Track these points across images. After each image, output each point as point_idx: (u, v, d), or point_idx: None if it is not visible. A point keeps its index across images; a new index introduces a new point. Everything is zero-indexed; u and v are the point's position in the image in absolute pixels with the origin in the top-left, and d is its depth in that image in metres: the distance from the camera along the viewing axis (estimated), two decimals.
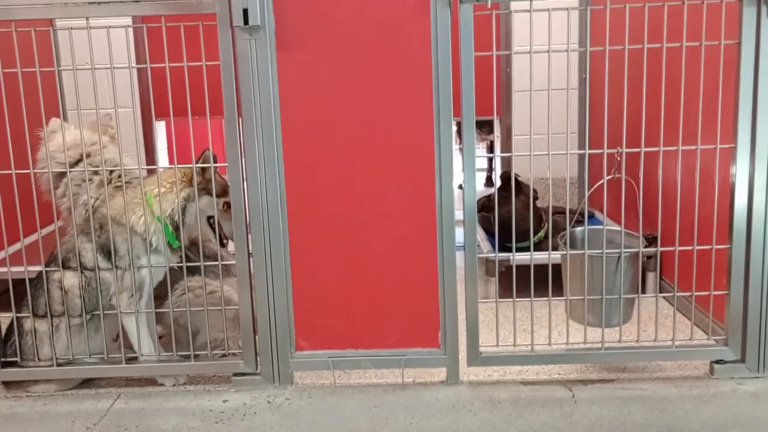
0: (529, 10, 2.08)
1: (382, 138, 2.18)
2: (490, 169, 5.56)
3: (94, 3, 2.10)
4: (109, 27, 2.13)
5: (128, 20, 2.36)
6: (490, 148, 5.40)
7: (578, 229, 2.44)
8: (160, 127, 3.91)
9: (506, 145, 4.10)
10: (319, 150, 2.19)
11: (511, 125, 4.04)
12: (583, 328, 2.31)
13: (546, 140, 2.13)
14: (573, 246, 2.36)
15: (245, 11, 2.04)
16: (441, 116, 2.13)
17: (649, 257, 2.91)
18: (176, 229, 2.26)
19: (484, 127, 5.15)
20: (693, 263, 2.21)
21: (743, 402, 2.12)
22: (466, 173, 2.18)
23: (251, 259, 2.23)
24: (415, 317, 2.28)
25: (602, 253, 2.21)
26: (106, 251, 2.21)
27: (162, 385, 2.36)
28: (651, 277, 2.99)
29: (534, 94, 2.22)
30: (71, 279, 2.23)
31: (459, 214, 2.20)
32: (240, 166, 2.18)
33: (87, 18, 2.11)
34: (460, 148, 2.18)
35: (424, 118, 2.14)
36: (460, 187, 2.21)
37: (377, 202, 2.22)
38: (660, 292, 2.45)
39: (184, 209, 2.26)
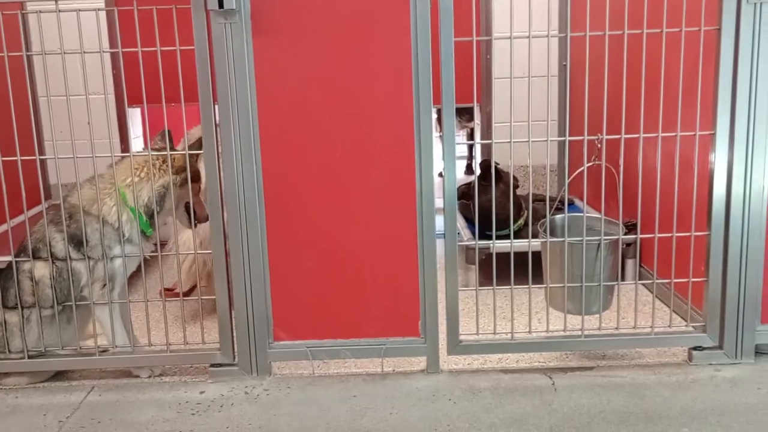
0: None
1: (361, 125, 2.15)
2: (471, 156, 5.55)
3: None
4: (80, 10, 2.07)
5: (100, 3, 2.30)
6: (471, 136, 5.38)
7: (558, 216, 2.42)
8: (134, 114, 3.85)
9: (486, 133, 4.08)
10: (296, 137, 2.16)
11: (491, 113, 4.02)
12: (563, 316, 2.30)
13: (526, 128, 2.11)
14: (553, 233, 2.35)
15: None
16: (421, 103, 2.10)
17: (628, 244, 2.91)
18: (150, 217, 2.22)
19: (465, 114, 5.13)
20: (672, 250, 2.21)
21: (721, 388, 2.13)
22: (446, 161, 2.15)
23: (227, 247, 2.20)
24: (395, 306, 2.26)
25: (582, 240, 2.20)
26: (77, 241, 2.17)
27: (137, 376, 2.32)
28: (630, 264, 2.99)
29: (514, 81, 2.19)
30: (42, 269, 2.17)
31: (439, 202, 2.18)
32: (216, 154, 2.14)
33: (56, 1, 2.06)
34: (440, 136, 2.15)
35: (403, 105, 2.11)
36: (440, 175, 2.18)
37: (356, 189, 2.19)
38: (639, 280, 2.45)
39: (162, 197, 2.22)
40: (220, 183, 2.16)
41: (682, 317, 2.43)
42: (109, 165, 2.27)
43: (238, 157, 2.14)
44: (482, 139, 4.05)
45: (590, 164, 2.19)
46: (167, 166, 2.21)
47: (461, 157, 5.56)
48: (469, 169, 5.47)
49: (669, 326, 2.33)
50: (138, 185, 2.20)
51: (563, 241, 2.22)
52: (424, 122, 2.12)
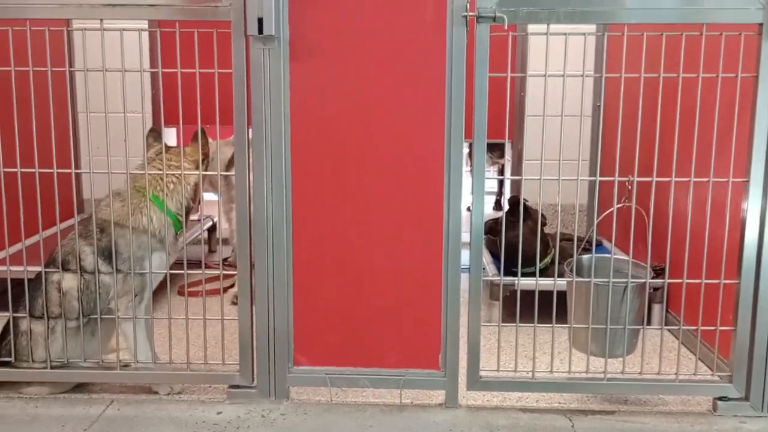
0: (546, 34, 2.06)
1: (392, 155, 2.16)
2: (500, 192, 5.54)
3: (109, 5, 2.10)
4: (123, 30, 2.13)
5: (143, 24, 2.35)
6: (501, 172, 5.37)
7: (585, 256, 2.40)
8: (170, 134, 3.91)
9: (517, 169, 4.08)
10: (327, 163, 2.17)
11: (522, 149, 4.03)
12: (585, 357, 2.27)
13: (557, 166, 2.10)
14: (579, 273, 2.33)
15: (260, 20, 2.03)
16: (452, 136, 2.11)
17: (655, 289, 2.87)
18: (185, 213, 2.30)
19: (496, 150, 5.13)
20: (700, 297, 2.18)
21: None
22: (475, 195, 2.15)
23: (253, 270, 2.21)
24: (416, 337, 2.25)
25: (608, 282, 2.17)
26: (107, 254, 2.20)
27: (156, 393, 2.33)
28: (657, 308, 2.95)
29: (547, 119, 2.19)
30: (70, 281, 2.20)
31: (465, 236, 2.17)
32: (247, 175, 2.16)
33: (101, 20, 2.11)
34: (470, 170, 2.15)
35: (435, 137, 2.12)
36: (468, 209, 2.18)
37: (384, 219, 2.19)
38: (665, 325, 2.41)
39: (194, 193, 2.29)
40: (249, 204, 2.18)
41: (708, 366, 2.39)
42: (137, 166, 2.31)
43: (269, 179, 2.16)
44: (512, 175, 4.05)
45: (620, 206, 2.18)
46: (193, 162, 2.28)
47: (490, 193, 5.55)
48: (498, 205, 5.45)
49: (694, 374, 2.29)
50: (171, 195, 2.26)
51: (589, 281, 2.20)
52: (454, 156, 2.12)
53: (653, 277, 2.30)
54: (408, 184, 2.17)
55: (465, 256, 2.19)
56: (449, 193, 2.15)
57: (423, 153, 2.15)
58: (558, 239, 3.26)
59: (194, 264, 2.33)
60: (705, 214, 2.17)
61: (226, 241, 3.59)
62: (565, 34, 2.06)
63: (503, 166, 5.18)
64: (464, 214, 2.17)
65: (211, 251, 4.23)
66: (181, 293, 3.14)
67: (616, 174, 2.15)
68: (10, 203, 2.20)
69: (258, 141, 2.14)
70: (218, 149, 2.85)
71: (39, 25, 2.13)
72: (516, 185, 4.12)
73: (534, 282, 2.28)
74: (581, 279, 2.26)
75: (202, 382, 2.36)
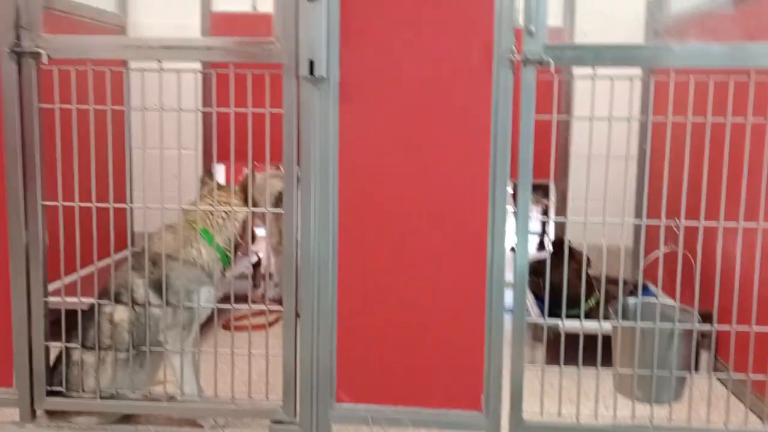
0: (592, 77, 2.08)
1: (437, 194, 2.18)
2: (543, 232, 5.50)
3: (167, 47, 2.19)
4: (180, 71, 2.21)
5: (197, 65, 2.44)
6: (545, 212, 5.34)
7: (631, 300, 2.38)
8: (219, 170, 4.01)
9: (561, 210, 4.06)
10: (373, 203, 2.21)
11: (567, 190, 4.01)
12: (631, 403, 2.23)
13: (601, 207, 2.10)
14: (625, 317, 2.30)
15: (311, 62, 2.09)
16: (497, 178, 2.13)
17: (703, 335, 2.81)
18: (234, 250, 2.35)
19: (540, 190, 5.11)
20: (750, 345, 2.13)
21: None
22: (518, 236, 2.16)
23: (298, 306, 2.24)
24: (459, 378, 2.24)
25: (655, 327, 2.14)
26: (158, 287, 2.25)
27: (201, 426, 2.36)
28: (705, 356, 2.88)
29: (592, 160, 2.20)
30: (121, 313, 2.26)
31: (509, 276, 2.17)
32: (295, 212, 2.20)
33: (159, 60, 2.19)
34: (514, 212, 2.16)
35: (479, 179, 2.14)
36: (512, 249, 2.19)
37: (428, 259, 2.21)
38: (714, 372, 2.36)
39: (243, 229, 2.34)
40: (296, 241, 2.21)
41: (758, 416, 2.32)
42: (190, 202, 2.37)
43: (316, 216, 2.20)
44: (556, 216, 4.03)
45: (667, 250, 2.16)
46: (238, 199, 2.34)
47: (534, 233, 5.51)
48: (542, 245, 5.41)
49: (744, 425, 2.23)
50: (220, 229, 2.31)
51: (635, 326, 2.17)
52: (498, 197, 2.14)
53: (701, 323, 2.26)
54: (452, 224, 2.19)
55: (508, 296, 2.19)
56: (493, 234, 2.16)
57: (468, 193, 2.16)
58: (603, 282, 3.22)
59: (240, 298, 2.37)
60: (755, 260, 2.14)
61: (270, 276, 3.64)
62: (611, 77, 2.08)
63: (547, 206, 5.16)
64: (508, 254, 2.18)
65: (255, 286, 4.29)
66: (226, 327, 3.18)
67: (663, 217, 2.14)
68: (65, 236, 2.28)
69: (306, 180, 2.19)
70: (266, 181, 2.91)
71: (100, 65, 2.22)
72: (560, 226, 4.11)
73: (578, 324, 2.27)
74: (627, 323, 2.24)
75: (245, 416, 2.38)
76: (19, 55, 2.18)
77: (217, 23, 4.15)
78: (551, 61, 2.04)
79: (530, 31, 2.05)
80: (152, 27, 4.17)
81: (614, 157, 2.17)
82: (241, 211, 2.35)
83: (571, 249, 2.91)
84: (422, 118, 2.15)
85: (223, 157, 2.31)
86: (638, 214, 3.41)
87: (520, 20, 2.06)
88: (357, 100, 2.16)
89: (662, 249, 2.17)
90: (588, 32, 3.93)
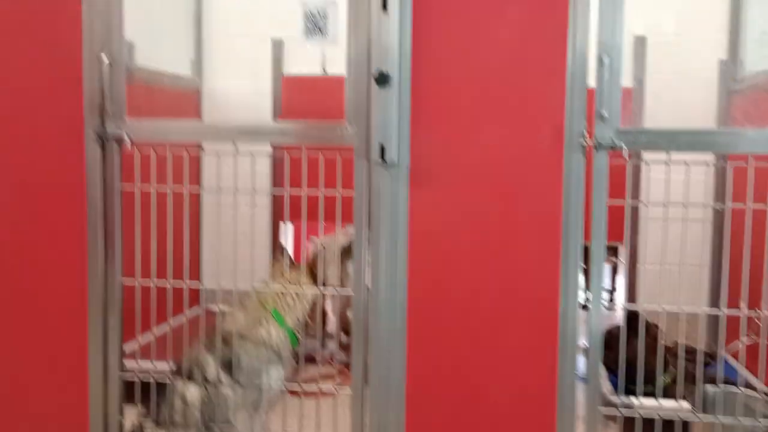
0: (667, 162, 2.04)
1: (506, 276, 2.17)
2: (613, 288, 5.37)
3: (244, 131, 2.25)
4: (253, 153, 2.27)
5: (268, 147, 2.50)
6: (614, 269, 5.23)
7: (711, 388, 2.29)
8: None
9: (631, 271, 3.98)
10: (442, 282, 2.20)
11: (637, 250, 3.94)
12: None
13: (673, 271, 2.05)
14: (705, 404, 2.22)
15: (382, 147, 2.12)
16: (569, 257, 2.09)
17: None
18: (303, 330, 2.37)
19: (609, 249, 5.02)
20: None
21: None
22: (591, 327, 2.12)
23: (367, 377, 2.24)
24: None
25: (738, 423, 2.06)
26: (229, 366, 2.29)
27: None
28: None
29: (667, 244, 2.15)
30: (194, 392, 2.30)
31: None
32: (363, 291, 2.22)
33: (234, 143, 2.26)
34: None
35: (550, 264, 2.11)
36: (584, 307, 2.14)
37: (497, 339, 2.18)
38: None
39: (312, 311, 2.36)
40: (366, 319, 2.22)
41: None
42: (261, 281, 2.42)
43: (385, 294, 2.20)
44: (627, 276, 3.95)
45: (749, 342, 2.08)
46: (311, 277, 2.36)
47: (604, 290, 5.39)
48: (610, 301, 5.29)
49: None
50: (290, 311, 2.34)
51: (717, 422, 2.09)
52: (571, 281, 2.10)
53: None
54: (522, 305, 2.16)
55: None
56: (566, 317, 2.12)
57: (538, 276, 2.14)
58: (679, 354, 3.12)
59: (308, 359, 2.38)
60: None
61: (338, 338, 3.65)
62: (686, 162, 2.04)
63: (617, 264, 5.05)
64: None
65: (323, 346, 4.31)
66: (294, 393, 3.19)
67: (743, 309, 2.06)
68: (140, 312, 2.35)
69: (376, 256, 2.19)
70: (333, 241, 2.94)
71: (178, 147, 2.30)
72: (631, 288, 4.02)
73: (654, 403, 2.19)
74: (706, 416, 2.15)
75: None
76: (103, 139, 2.28)
77: (288, 85, 4.25)
78: (624, 147, 2.02)
79: (602, 116, 2.03)
80: (226, 90, 4.31)
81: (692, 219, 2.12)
82: (311, 292, 2.37)
83: (646, 323, 2.83)
84: (493, 201, 2.15)
85: (296, 236, 2.34)
86: (714, 301, 3.32)
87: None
88: (427, 183, 2.17)
89: (743, 341, 2.09)
90: (659, 92, 3.88)
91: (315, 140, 2.22)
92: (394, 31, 2.08)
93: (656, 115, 3.71)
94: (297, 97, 4.18)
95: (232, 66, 4.33)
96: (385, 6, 2.08)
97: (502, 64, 2.11)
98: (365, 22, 2.12)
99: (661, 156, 2.05)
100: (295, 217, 2.30)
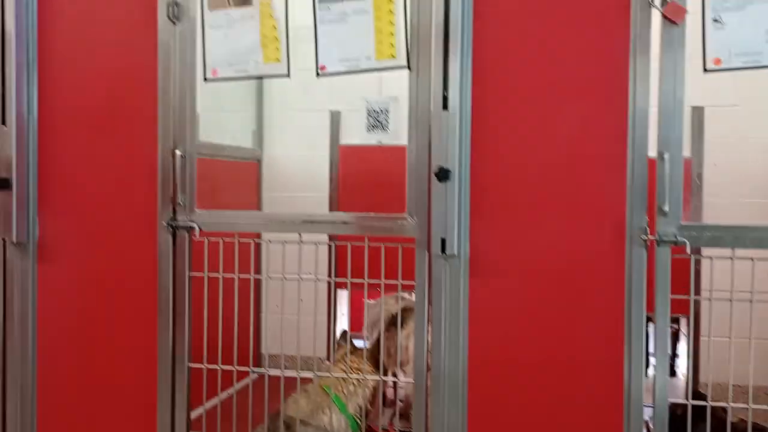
0: (731, 258, 2.03)
1: (567, 367, 2.16)
2: (674, 355, 5.26)
3: (308, 222, 2.32)
4: (317, 243, 2.34)
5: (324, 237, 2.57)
6: (675, 335, 5.13)
7: None
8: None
9: (694, 344, 3.90)
10: (502, 369, 2.21)
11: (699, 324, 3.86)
12: None
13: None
14: None
15: (443, 240, 2.17)
16: (632, 349, 2.09)
17: None
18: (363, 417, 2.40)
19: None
20: None
21: None
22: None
23: None
24: None
25: None
26: None
27: None
28: None
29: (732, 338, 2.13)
30: None
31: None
32: (424, 381, 2.24)
33: (299, 233, 2.33)
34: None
35: (614, 355, 2.11)
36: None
37: (560, 422, 2.17)
38: None
39: (373, 396, 2.39)
40: (426, 404, 2.24)
41: None
42: (323, 367, 2.46)
43: (445, 378, 2.21)
44: (689, 349, 3.86)
45: None
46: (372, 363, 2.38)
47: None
48: (672, 370, 5.17)
49: None
50: (351, 396, 2.37)
51: None
52: (635, 376, 2.09)
53: None
54: (584, 392, 2.16)
55: None
56: (630, 397, 2.10)
57: (600, 368, 2.13)
58: None
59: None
60: None
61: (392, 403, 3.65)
62: (751, 258, 2.02)
63: (678, 330, 4.95)
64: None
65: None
66: None
67: None
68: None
69: (437, 344, 2.22)
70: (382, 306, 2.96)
71: (245, 236, 2.39)
72: (695, 363, 3.93)
73: None
74: None
75: None
76: (174, 229, 2.37)
77: (345, 155, 4.34)
78: (687, 242, 2.02)
79: (664, 212, 2.04)
80: (285, 159, 4.43)
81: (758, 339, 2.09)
82: (372, 379, 2.41)
83: (712, 410, 2.77)
84: (553, 295, 2.16)
85: (358, 328, 2.39)
86: None
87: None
88: (488, 273, 2.20)
89: None
90: (717, 163, 3.84)
91: (377, 231, 2.27)
92: (454, 128, 2.14)
93: (715, 189, 3.66)
94: (353, 166, 4.27)
95: (291, 136, 4.45)
96: (445, 105, 2.14)
97: (561, 160, 2.14)
98: (426, 118, 2.19)
99: (726, 252, 2.04)
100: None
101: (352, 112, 4.15)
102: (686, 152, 3.82)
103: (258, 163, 4.46)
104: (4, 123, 2.40)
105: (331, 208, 3.97)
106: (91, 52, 2.46)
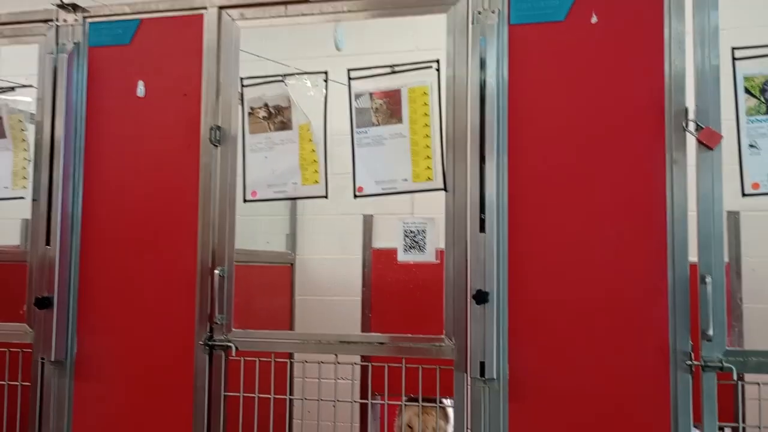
0: None
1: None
2: None
3: (345, 342, 2.31)
4: (353, 364, 2.32)
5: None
6: None
7: None
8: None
9: None
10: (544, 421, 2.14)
11: None
12: None
13: None
14: None
15: (482, 364, 2.13)
16: None
17: None
18: None
19: None
20: None
21: None
22: None
23: None
24: None
25: None
26: None
27: None
28: None
29: None
30: None
31: None
32: None
33: (335, 354, 2.32)
34: None
35: None
36: None
37: None
38: None
39: None
40: None
41: None
42: None
43: None
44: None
45: None
46: None
47: None
48: None
49: None
50: None
51: None
52: None
53: None
54: None
55: None
56: None
57: None
58: None
59: None
60: None
61: None
62: None
63: None
64: None
65: None
66: None
67: None
68: None
69: None
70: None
71: (280, 356, 2.38)
72: None
73: None
74: None
75: None
76: (211, 348, 2.37)
77: (378, 258, 4.36)
78: (733, 368, 1.97)
79: (708, 337, 2.00)
80: (318, 263, 4.46)
81: None
82: None
83: None
84: (595, 420, 2.10)
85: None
86: None
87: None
88: (527, 397, 2.16)
89: None
90: (756, 268, 3.78)
91: (414, 353, 2.25)
92: (491, 250, 2.15)
93: (755, 297, 3.60)
94: (384, 268, 4.28)
95: (324, 239, 4.50)
96: (482, 227, 2.15)
97: (599, 281, 2.12)
98: (462, 241, 2.20)
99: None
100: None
101: (384, 216, 4.19)
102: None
103: (291, 266, 4.49)
104: (48, 243, 2.45)
105: (364, 312, 3.96)
106: (135, 171, 2.52)
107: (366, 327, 3.88)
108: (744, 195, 2.01)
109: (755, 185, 2.00)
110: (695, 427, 2.03)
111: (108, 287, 2.50)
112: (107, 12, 2.56)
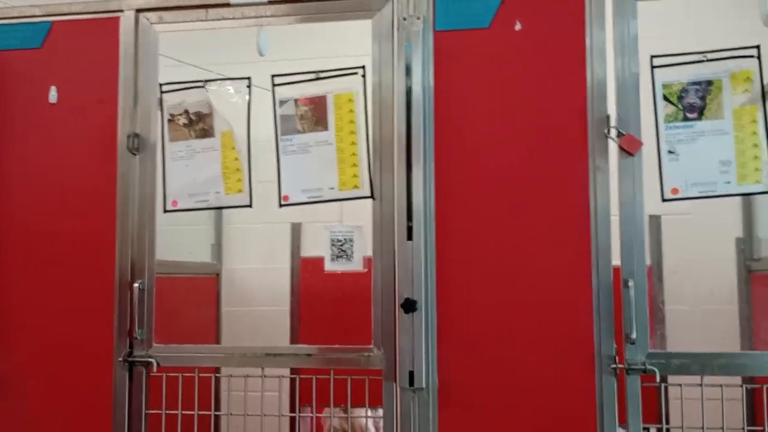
0: (700, 385, 2.02)
1: None
2: None
3: (271, 355, 2.25)
4: (281, 377, 2.26)
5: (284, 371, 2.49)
6: None
7: None
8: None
9: None
10: None
11: None
12: None
13: None
14: None
15: (411, 373, 2.11)
16: None
17: None
18: None
19: None
20: None
21: None
22: None
23: None
24: None
25: None
26: None
27: None
28: None
29: None
30: None
31: None
32: None
33: (262, 368, 2.26)
34: None
35: None
36: None
37: None
38: None
39: None
40: None
41: None
42: None
43: None
44: None
45: None
46: None
47: None
48: None
49: None
50: None
51: None
52: None
53: None
54: None
55: None
56: None
57: None
58: None
59: None
60: None
61: None
62: (720, 385, 2.01)
63: None
64: None
65: None
66: None
67: None
68: None
69: None
70: None
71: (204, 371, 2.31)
72: None
73: None
74: None
75: None
76: (131, 364, 2.28)
77: (306, 266, 4.30)
78: (656, 371, 2.00)
79: (631, 340, 2.03)
80: (244, 273, 4.37)
81: None
82: None
83: None
84: (524, 426, 2.11)
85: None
86: None
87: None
88: (457, 405, 2.14)
89: None
90: (677, 270, 3.89)
91: (342, 364, 2.21)
92: (419, 258, 2.13)
93: (676, 299, 3.70)
94: (313, 278, 4.22)
95: (251, 249, 4.41)
96: (410, 236, 2.13)
97: (527, 285, 2.12)
98: (390, 249, 2.17)
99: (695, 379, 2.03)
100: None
101: (313, 224, 4.14)
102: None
103: (217, 276, 4.38)
104: None
105: (293, 321, 3.90)
106: (48, 182, 2.41)
107: (295, 337, 3.82)
108: (664, 200, 2.05)
109: (674, 190, 2.04)
110: (621, 427, 2.06)
111: (21, 305, 2.37)
112: (16, 14, 2.44)
